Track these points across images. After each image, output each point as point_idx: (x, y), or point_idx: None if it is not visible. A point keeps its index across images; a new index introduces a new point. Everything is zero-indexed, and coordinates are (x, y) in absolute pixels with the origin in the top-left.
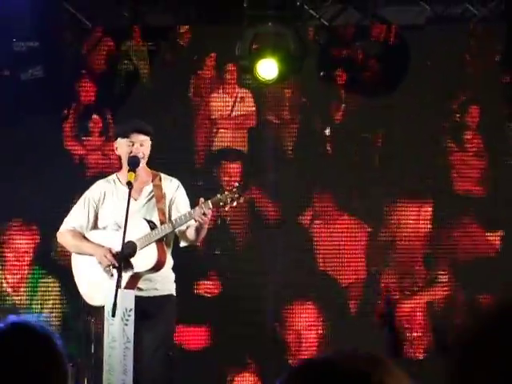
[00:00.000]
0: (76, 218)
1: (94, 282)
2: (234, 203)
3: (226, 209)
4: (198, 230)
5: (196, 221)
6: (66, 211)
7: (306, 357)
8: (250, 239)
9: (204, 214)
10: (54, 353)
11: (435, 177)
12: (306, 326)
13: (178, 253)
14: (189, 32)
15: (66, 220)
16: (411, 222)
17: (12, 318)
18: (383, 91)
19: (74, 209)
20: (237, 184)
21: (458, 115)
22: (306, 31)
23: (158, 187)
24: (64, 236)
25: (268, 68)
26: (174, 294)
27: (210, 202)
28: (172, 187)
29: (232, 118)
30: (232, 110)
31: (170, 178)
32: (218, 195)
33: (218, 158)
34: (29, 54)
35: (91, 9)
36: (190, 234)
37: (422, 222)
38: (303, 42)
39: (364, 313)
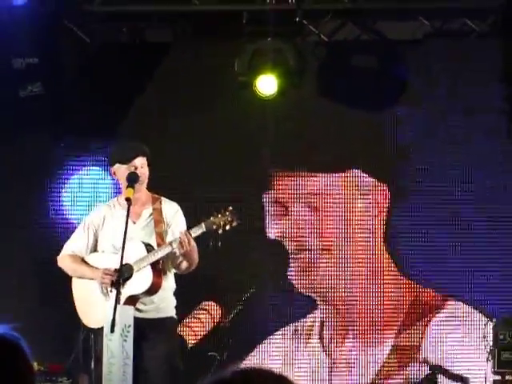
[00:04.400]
0: (76, 242)
1: (91, 305)
2: (227, 227)
3: (220, 232)
4: (185, 257)
5: (179, 248)
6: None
7: None
8: None
9: (181, 242)
10: (21, 361)
11: None
12: None
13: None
14: (187, 48)
15: (66, 245)
16: None
17: None
18: (382, 106)
19: (74, 234)
20: (230, 208)
21: None
22: (305, 46)
23: (157, 211)
24: (64, 260)
25: (267, 84)
26: (175, 316)
27: (203, 224)
28: (171, 211)
29: None
30: None
31: (171, 202)
32: (212, 218)
33: None
34: (28, 71)
35: (90, 25)
36: (179, 263)
37: None
38: (302, 58)
39: None
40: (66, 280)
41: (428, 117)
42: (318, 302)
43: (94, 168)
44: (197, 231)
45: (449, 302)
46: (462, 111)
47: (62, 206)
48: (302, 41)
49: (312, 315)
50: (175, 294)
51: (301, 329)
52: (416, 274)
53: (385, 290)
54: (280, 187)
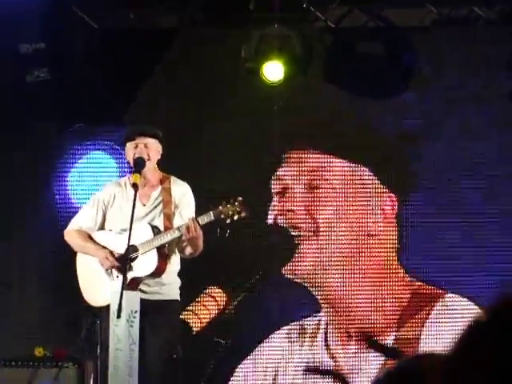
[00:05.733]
0: (84, 218)
1: (96, 283)
2: (236, 217)
3: (228, 222)
4: (190, 243)
5: (184, 236)
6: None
7: None
8: None
9: (187, 228)
10: None
11: None
12: None
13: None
14: (194, 34)
15: (73, 220)
16: None
17: None
18: (389, 93)
19: (82, 209)
20: (240, 198)
21: None
22: (311, 33)
23: (166, 190)
24: (70, 235)
25: (274, 70)
26: (179, 299)
27: (211, 213)
28: (179, 192)
29: None
30: None
31: (181, 182)
32: (220, 207)
33: None
34: (35, 56)
35: (97, 10)
36: (183, 249)
37: None
38: (309, 44)
39: None
40: (72, 265)
41: (436, 104)
42: (322, 303)
43: (99, 153)
44: (205, 219)
45: (447, 295)
46: (469, 99)
47: (67, 193)
48: (309, 27)
49: (318, 315)
50: (180, 275)
51: (308, 327)
52: (422, 268)
53: (388, 292)
54: (287, 164)
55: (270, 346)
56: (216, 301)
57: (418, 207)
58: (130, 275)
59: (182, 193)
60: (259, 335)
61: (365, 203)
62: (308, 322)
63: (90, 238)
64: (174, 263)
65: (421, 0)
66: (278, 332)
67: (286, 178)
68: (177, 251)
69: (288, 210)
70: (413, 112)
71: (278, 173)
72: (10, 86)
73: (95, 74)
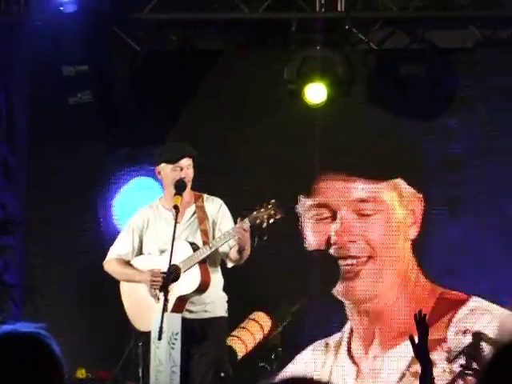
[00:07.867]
0: (121, 245)
1: (142, 308)
2: (271, 220)
3: (264, 226)
4: (240, 249)
5: (236, 239)
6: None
7: None
8: None
9: (244, 229)
10: (49, 357)
11: None
12: None
13: None
14: (236, 56)
15: (111, 249)
16: None
17: (4, 327)
18: (431, 115)
19: (118, 237)
20: (273, 200)
21: None
22: (354, 55)
23: (200, 208)
24: (110, 264)
25: (316, 92)
26: (226, 315)
27: (247, 219)
28: (214, 208)
29: None
30: None
31: (213, 197)
32: (255, 213)
33: None
34: (77, 78)
35: (140, 33)
36: (233, 254)
37: None
38: (351, 66)
39: None
40: (114, 286)
41: (478, 127)
42: (349, 312)
43: (144, 178)
44: (243, 224)
45: (473, 298)
46: None
47: (112, 218)
48: (351, 49)
49: (342, 330)
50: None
51: (332, 343)
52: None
53: (413, 298)
54: (325, 191)
55: (296, 366)
56: (261, 326)
57: (463, 230)
58: (175, 295)
59: (217, 208)
60: None
61: (403, 215)
62: (333, 339)
63: (130, 264)
64: (217, 278)
65: (464, 22)
66: (303, 351)
67: (332, 205)
68: (219, 265)
69: (350, 241)
70: (455, 135)
71: (319, 199)
72: (52, 108)
73: (138, 95)
